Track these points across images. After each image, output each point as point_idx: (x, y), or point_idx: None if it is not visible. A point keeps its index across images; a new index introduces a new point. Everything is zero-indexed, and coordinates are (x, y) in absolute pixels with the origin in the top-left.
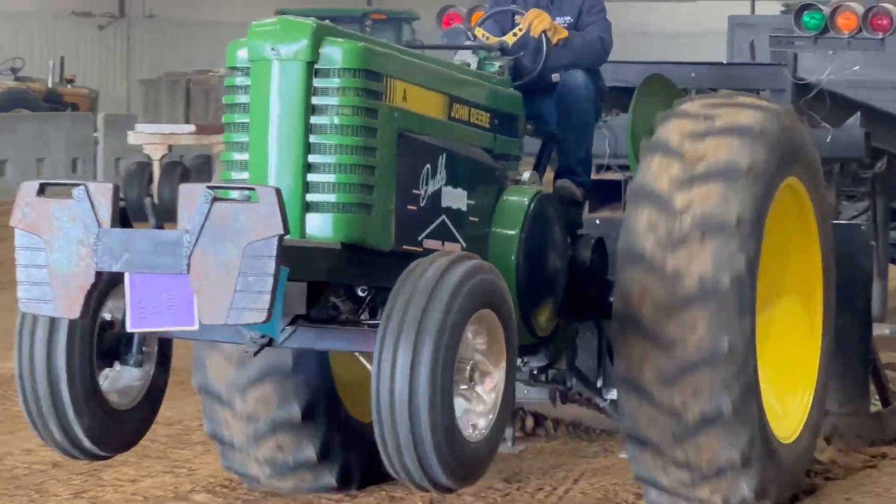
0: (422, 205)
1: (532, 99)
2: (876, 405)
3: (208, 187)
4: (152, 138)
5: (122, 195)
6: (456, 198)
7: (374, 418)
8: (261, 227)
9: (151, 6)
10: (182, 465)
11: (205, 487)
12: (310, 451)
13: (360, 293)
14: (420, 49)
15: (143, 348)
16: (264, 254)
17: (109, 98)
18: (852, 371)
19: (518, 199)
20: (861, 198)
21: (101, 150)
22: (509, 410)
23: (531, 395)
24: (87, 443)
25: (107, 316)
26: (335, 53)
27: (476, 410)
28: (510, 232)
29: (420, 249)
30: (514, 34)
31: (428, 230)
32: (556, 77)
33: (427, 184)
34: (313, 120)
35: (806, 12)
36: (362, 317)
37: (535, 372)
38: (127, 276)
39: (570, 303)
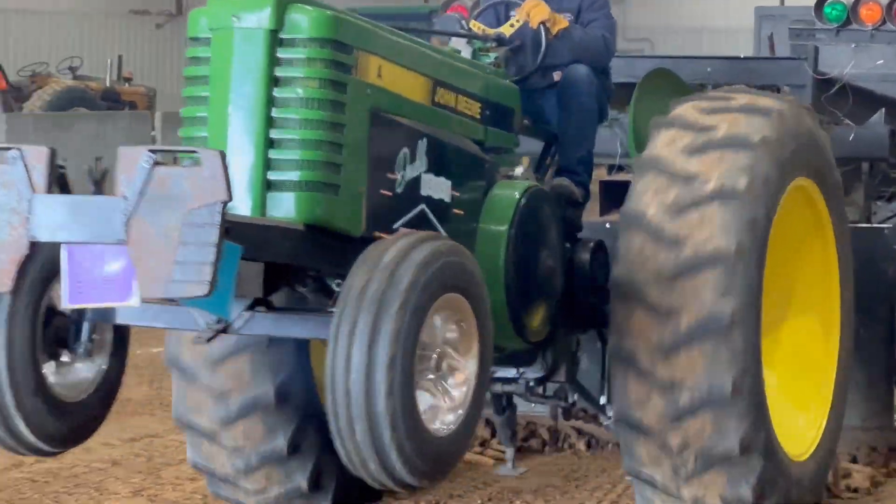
0: (398, 191)
1: (533, 99)
2: None
3: (149, 150)
4: None
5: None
6: (438, 187)
7: (329, 409)
8: (203, 192)
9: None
10: None
11: None
12: (301, 481)
13: (335, 287)
14: (411, 32)
15: (93, 336)
16: (206, 221)
17: (167, 96)
18: (875, 383)
19: (508, 193)
20: (892, 199)
21: None
22: (482, 407)
23: (537, 410)
24: (30, 438)
25: (54, 300)
26: (301, 21)
27: (443, 405)
28: (498, 227)
29: None
30: (512, 25)
31: (405, 218)
32: (557, 76)
33: (404, 168)
34: (276, 93)
35: (827, 3)
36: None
37: (532, 384)
38: (63, 248)
39: (567, 309)
